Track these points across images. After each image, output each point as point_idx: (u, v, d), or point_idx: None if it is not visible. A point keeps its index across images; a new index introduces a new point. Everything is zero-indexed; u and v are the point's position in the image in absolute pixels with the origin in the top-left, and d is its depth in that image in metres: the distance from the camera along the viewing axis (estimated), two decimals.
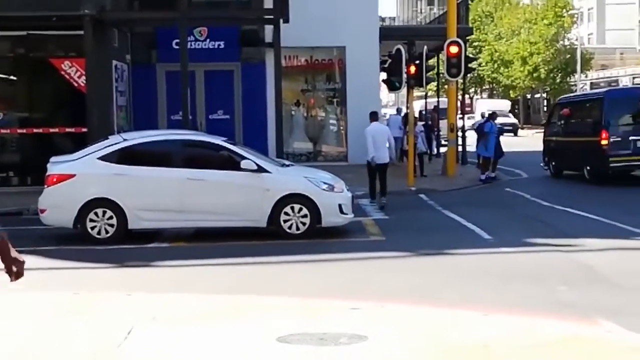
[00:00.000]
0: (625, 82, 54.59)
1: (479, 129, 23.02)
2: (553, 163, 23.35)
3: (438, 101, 32.76)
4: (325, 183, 13.25)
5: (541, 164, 24.15)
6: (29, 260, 11.90)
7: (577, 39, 58.92)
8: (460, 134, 26.74)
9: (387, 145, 16.73)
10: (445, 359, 6.27)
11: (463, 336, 6.84)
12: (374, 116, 17.26)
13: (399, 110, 28.88)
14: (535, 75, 56.10)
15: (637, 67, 57.48)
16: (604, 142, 19.91)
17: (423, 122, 25.95)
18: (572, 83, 58.54)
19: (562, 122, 23.17)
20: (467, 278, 9.87)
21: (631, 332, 7.09)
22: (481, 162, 22.67)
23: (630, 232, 12.89)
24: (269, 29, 21.36)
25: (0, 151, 21.23)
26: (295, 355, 6.36)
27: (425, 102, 35.05)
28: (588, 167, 21.12)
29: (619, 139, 19.95)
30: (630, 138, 19.95)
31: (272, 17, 20.25)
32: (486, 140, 22.06)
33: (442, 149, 28.25)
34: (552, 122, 24.33)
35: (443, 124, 29.80)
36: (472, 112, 52.52)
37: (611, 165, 19.98)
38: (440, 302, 8.34)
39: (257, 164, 12.99)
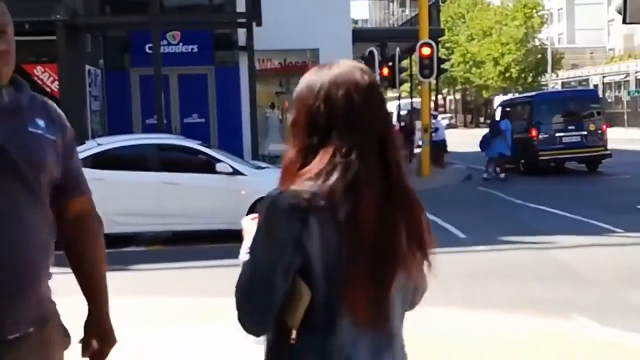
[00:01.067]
0: (595, 82, 55.19)
1: (495, 127, 23.23)
2: None
3: (412, 103, 32.94)
4: None
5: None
6: None
7: (547, 39, 59.46)
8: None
9: None
10: (420, 357, 6.36)
11: (439, 333, 6.94)
12: None
13: None
14: (507, 75, 56.54)
15: (607, 66, 58.08)
16: (534, 138, 22.80)
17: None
18: (544, 83, 59.06)
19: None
20: (441, 277, 9.88)
21: (605, 327, 7.21)
22: (497, 161, 22.73)
23: (602, 229, 13.08)
24: (242, 32, 21.38)
25: None
26: None
27: (399, 105, 35.15)
28: (522, 161, 23.83)
29: (547, 135, 22.91)
30: (557, 135, 22.95)
31: (244, 20, 20.28)
32: (503, 138, 22.25)
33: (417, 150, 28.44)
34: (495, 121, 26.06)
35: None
36: (445, 112, 52.74)
37: (540, 158, 22.89)
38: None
39: (232, 167, 13.04)
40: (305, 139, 2.17)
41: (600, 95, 53.69)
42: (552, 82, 58.19)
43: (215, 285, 9.98)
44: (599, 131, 23.22)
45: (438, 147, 25.80)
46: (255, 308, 2.13)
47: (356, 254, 2.07)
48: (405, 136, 26.51)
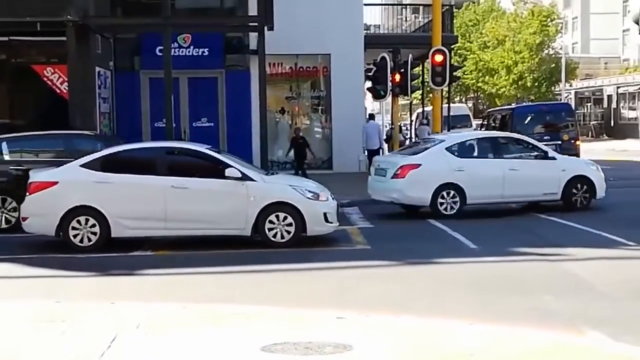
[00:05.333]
0: (609, 92, 54.89)
1: None
2: None
3: (423, 110, 32.80)
4: (310, 191, 13.18)
5: None
6: (10, 268, 11.79)
7: (561, 48, 59.19)
8: None
9: (378, 136, 23.64)
10: None
11: (448, 345, 6.80)
12: (372, 117, 26.08)
13: (372, 116, 28.54)
14: (520, 83, 56.31)
15: (621, 77, 57.76)
16: None
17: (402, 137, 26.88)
18: (557, 92, 58.79)
19: (487, 130, 26.93)
20: (452, 287, 9.82)
21: (617, 342, 7.06)
22: None
23: (615, 242, 12.88)
24: (253, 36, 21.30)
25: None
26: None
27: (410, 112, 35.02)
28: None
29: None
30: None
31: (256, 24, 20.19)
32: None
33: None
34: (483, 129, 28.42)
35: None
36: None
37: None
38: (426, 312, 8.28)
39: (241, 172, 12.91)
40: None
41: (614, 106, 53.49)
42: (566, 91, 57.91)
43: (222, 291, 9.87)
44: (572, 141, 25.13)
45: None
46: None
47: None
48: None
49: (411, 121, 37.34)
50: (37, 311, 8.39)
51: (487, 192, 16.26)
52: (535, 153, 17.25)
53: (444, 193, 15.97)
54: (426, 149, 16.77)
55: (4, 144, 15.92)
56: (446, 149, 16.47)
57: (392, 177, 16.13)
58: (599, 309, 8.49)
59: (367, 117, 29.83)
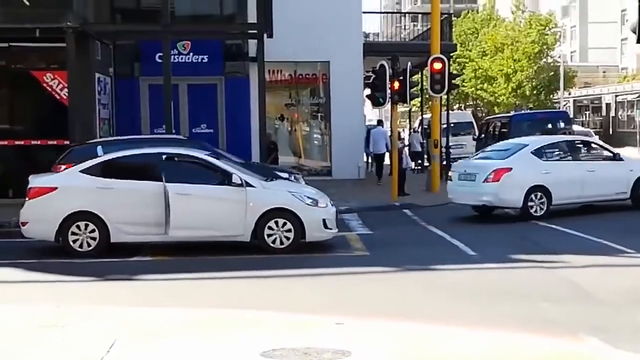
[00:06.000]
0: (607, 100, 54.93)
1: None
2: None
3: (422, 118, 32.82)
4: (309, 198, 13.20)
5: None
6: (10, 274, 11.79)
7: (560, 57, 59.26)
8: (444, 150, 26.87)
9: (385, 142, 24.57)
10: None
11: (446, 352, 6.81)
12: (380, 123, 27.65)
13: (380, 122, 28.72)
14: (519, 92, 56.36)
15: (620, 85, 57.81)
16: None
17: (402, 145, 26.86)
18: (556, 100, 58.84)
19: (487, 138, 27.49)
20: (451, 294, 9.84)
21: (615, 349, 7.07)
22: None
23: (613, 249, 12.89)
24: (252, 43, 21.33)
25: None
26: None
27: (410, 119, 35.06)
28: None
29: None
30: None
31: (255, 31, 20.22)
32: None
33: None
34: (480, 138, 29.01)
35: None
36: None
37: None
38: (424, 318, 8.30)
39: (240, 178, 12.93)
40: None
41: (613, 114, 53.52)
42: (564, 100, 57.94)
43: (221, 296, 9.88)
44: None
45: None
46: None
47: None
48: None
49: (414, 129, 37.26)
50: (36, 316, 8.40)
51: (569, 193, 17.06)
52: (605, 154, 18.30)
53: (533, 195, 16.65)
54: (509, 153, 17.44)
55: (99, 148, 15.93)
56: (532, 152, 17.27)
57: (484, 181, 16.74)
58: (597, 316, 8.51)
59: (376, 123, 30.24)
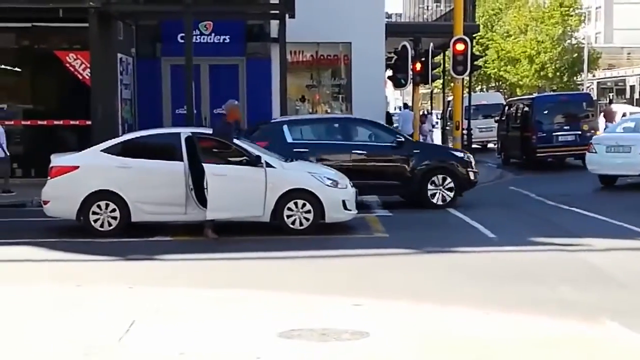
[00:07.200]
0: (632, 82, 54.45)
1: None
2: (503, 153, 28.44)
3: (445, 99, 32.64)
4: (329, 179, 13.19)
5: (497, 155, 29.24)
6: (31, 252, 11.90)
7: (584, 38, 58.72)
8: (465, 132, 26.87)
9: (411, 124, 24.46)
10: (446, 357, 6.22)
11: (464, 334, 6.80)
12: (406, 106, 29.34)
13: (406, 105, 29.00)
14: (542, 73, 55.95)
15: None
16: (532, 136, 25.11)
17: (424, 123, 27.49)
18: (579, 82, 58.38)
19: (509, 119, 27.73)
20: (470, 276, 9.81)
21: (636, 333, 7.01)
22: None
23: (636, 233, 12.79)
24: (274, 24, 21.27)
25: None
26: (296, 351, 6.32)
27: (431, 101, 34.89)
28: (524, 157, 26.36)
29: (544, 134, 25.18)
30: (553, 134, 25.25)
31: (277, 12, 20.15)
32: None
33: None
34: (502, 120, 28.80)
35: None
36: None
37: (537, 155, 25.24)
38: (442, 300, 8.28)
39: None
40: None
41: (637, 96, 53.02)
42: (588, 81, 57.46)
43: (239, 276, 9.92)
44: (592, 131, 25.31)
45: None
46: None
47: None
48: None
49: (426, 111, 37.08)
50: (57, 295, 8.48)
51: None
52: None
53: None
54: None
55: (285, 127, 16.23)
56: None
57: None
58: (618, 300, 8.45)
59: (402, 106, 30.61)
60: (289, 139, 16.04)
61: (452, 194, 16.00)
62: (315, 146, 16.05)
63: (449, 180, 16.04)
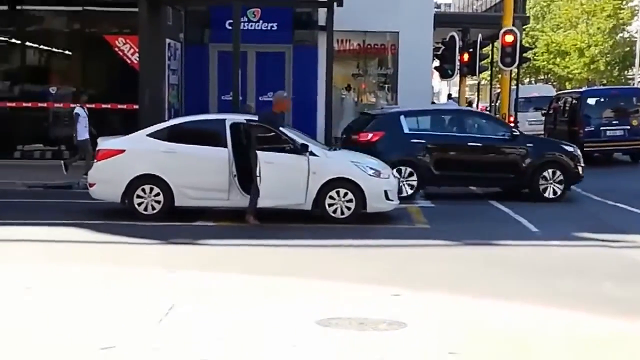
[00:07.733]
0: None
1: None
2: None
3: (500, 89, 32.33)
4: (371, 168, 13.16)
5: None
6: (76, 233, 12.05)
7: (636, 32, 57.69)
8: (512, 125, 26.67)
9: None
10: (483, 348, 6.19)
11: (502, 328, 6.77)
12: (450, 97, 29.71)
13: (450, 96, 28.90)
14: (592, 67, 55.14)
15: None
16: (580, 130, 24.59)
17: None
18: (630, 77, 57.42)
19: (556, 113, 27.41)
20: (511, 270, 9.74)
21: None
22: None
23: None
24: (322, 12, 21.24)
25: (52, 125, 21.52)
26: (334, 339, 6.33)
27: (478, 92, 34.62)
28: None
29: (592, 128, 24.68)
30: (601, 128, 24.76)
31: (326, 0, 20.12)
32: None
33: None
34: (549, 113, 28.46)
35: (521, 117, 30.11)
36: None
37: (585, 149, 23.34)
38: (481, 293, 8.23)
39: None
40: None
41: None
42: (639, 76, 56.46)
43: (279, 264, 9.95)
44: None
45: None
46: None
47: None
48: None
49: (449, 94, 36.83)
50: (98, 276, 8.59)
51: None
52: None
53: None
54: None
55: (402, 118, 16.49)
56: None
57: None
58: None
59: (447, 96, 30.42)
60: (406, 130, 16.27)
61: (562, 187, 16.05)
62: (432, 137, 16.34)
63: (559, 173, 16.10)
